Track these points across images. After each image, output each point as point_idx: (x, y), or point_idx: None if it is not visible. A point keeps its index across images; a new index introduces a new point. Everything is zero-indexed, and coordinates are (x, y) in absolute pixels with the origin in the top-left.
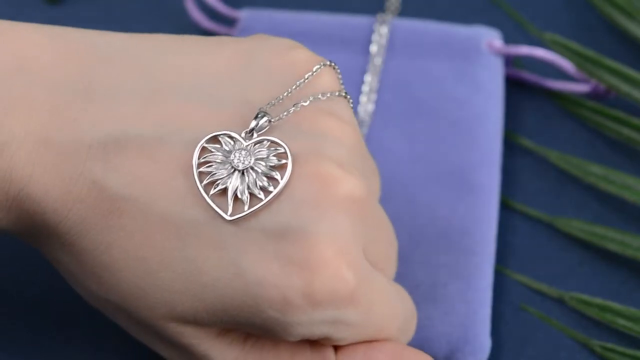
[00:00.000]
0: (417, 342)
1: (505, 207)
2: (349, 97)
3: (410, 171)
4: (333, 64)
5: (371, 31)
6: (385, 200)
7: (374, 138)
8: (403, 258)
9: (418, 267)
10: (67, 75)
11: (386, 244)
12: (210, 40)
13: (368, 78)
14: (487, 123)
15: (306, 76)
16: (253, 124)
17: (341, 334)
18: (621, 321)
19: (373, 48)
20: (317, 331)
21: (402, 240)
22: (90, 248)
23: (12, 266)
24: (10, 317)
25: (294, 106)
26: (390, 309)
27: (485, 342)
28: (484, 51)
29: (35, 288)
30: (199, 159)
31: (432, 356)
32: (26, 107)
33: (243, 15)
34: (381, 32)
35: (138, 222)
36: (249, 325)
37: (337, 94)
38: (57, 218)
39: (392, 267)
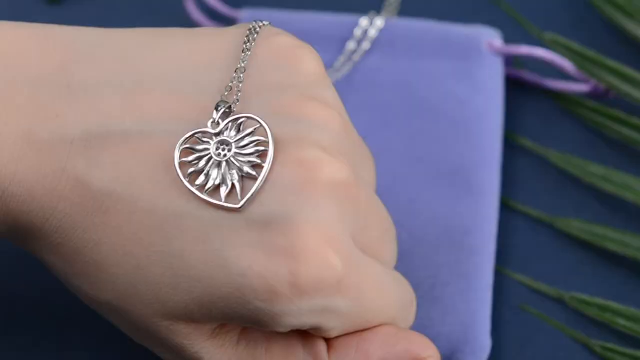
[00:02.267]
0: None
1: (505, 207)
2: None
3: (410, 171)
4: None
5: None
6: (385, 200)
7: (374, 138)
8: (403, 258)
9: (418, 267)
10: (48, 72)
11: (380, 230)
12: (194, 31)
13: (338, 64)
14: (487, 123)
15: (289, 60)
16: (215, 115)
17: (332, 324)
18: (621, 321)
19: (351, 44)
20: (307, 321)
21: (402, 240)
22: (78, 247)
23: (12, 266)
24: (10, 317)
25: (275, 92)
26: (383, 297)
27: (485, 342)
28: (484, 51)
29: (35, 288)
30: (180, 151)
31: None
32: (8, 104)
33: (243, 15)
34: (369, 33)
35: (123, 218)
36: (238, 318)
37: (321, 78)
38: (43, 217)
39: (389, 253)
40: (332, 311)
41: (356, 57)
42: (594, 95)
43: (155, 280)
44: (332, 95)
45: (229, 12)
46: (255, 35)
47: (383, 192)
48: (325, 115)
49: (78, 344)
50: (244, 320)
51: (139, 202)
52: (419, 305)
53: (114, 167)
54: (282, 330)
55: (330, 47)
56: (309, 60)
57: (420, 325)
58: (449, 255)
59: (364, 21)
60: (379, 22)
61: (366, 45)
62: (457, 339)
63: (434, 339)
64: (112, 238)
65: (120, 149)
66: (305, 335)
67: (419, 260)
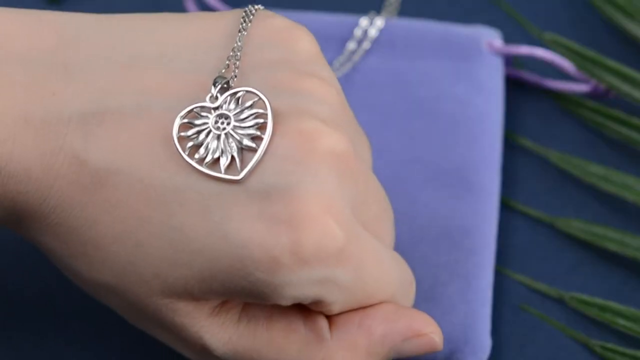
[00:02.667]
0: None
1: (505, 207)
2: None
3: (410, 171)
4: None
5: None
6: None
7: (374, 138)
8: (403, 258)
9: (418, 267)
10: (43, 51)
11: (379, 208)
12: (188, 15)
13: (337, 63)
14: (487, 123)
15: (285, 40)
16: (213, 90)
17: (333, 296)
18: (621, 321)
19: (351, 44)
20: (308, 292)
21: (402, 240)
22: (75, 226)
23: (11, 266)
24: (10, 318)
25: (273, 68)
26: (383, 272)
27: (485, 342)
28: (483, 51)
29: (35, 288)
30: (179, 126)
31: (432, 356)
32: (2, 83)
33: None
34: (369, 33)
35: (122, 195)
36: (238, 292)
37: (317, 57)
38: (40, 197)
39: (387, 233)
40: (333, 282)
41: (356, 57)
42: (594, 95)
43: (155, 256)
44: (328, 73)
45: None
46: (251, 17)
47: None
48: (323, 91)
49: (78, 344)
50: (245, 293)
51: (138, 176)
52: (419, 305)
53: (112, 142)
54: (283, 302)
55: (330, 47)
56: (304, 40)
57: None
58: (449, 255)
59: (364, 21)
60: (379, 22)
61: (366, 45)
62: (457, 339)
63: None
64: (111, 215)
65: (117, 125)
66: (306, 312)
67: (419, 260)
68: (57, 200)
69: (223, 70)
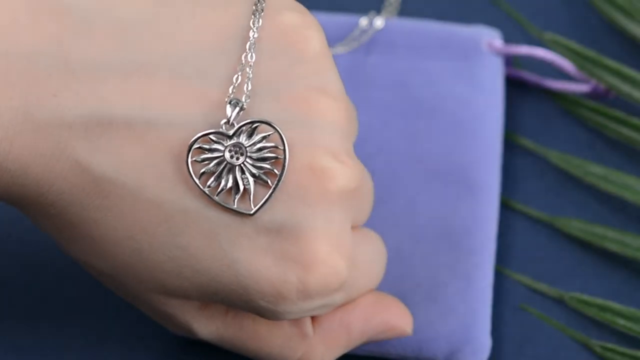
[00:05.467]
0: (417, 342)
1: (505, 207)
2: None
3: (410, 171)
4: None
5: (364, 30)
6: (386, 200)
7: (374, 138)
8: (403, 258)
9: (418, 267)
10: (43, 45)
11: (366, 197)
12: (200, 2)
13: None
14: (487, 123)
15: (296, 44)
16: (229, 112)
17: (324, 312)
18: (621, 321)
19: (347, 39)
20: (304, 315)
21: (402, 240)
22: (74, 222)
23: (11, 266)
24: (11, 318)
25: (284, 83)
26: (370, 277)
27: (485, 342)
28: (484, 51)
29: (36, 289)
30: (192, 150)
31: (432, 356)
32: (2, 81)
33: None
34: (369, 33)
35: (126, 206)
36: (237, 307)
37: (326, 60)
38: (39, 191)
39: (368, 212)
40: (329, 305)
41: (354, 45)
42: (594, 95)
43: (156, 265)
44: (335, 79)
45: None
46: (262, 12)
47: (383, 192)
48: (332, 112)
49: (78, 345)
50: (244, 309)
51: (144, 193)
52: (419, 305)
53: (118, 154)
54: (279, 321)
55: (330, 47)
56: (314, 41)
57: (420, 325)
58: (449, 256)
59: (364, 21)
60: (379, 22)
61: (366, 40)
62: (457, 339)
63: (434, 339)
64: (113, 221)
65: (123, 137)
66: None
67: (419, 260)
68: (56, 197)
69: (235, 84)
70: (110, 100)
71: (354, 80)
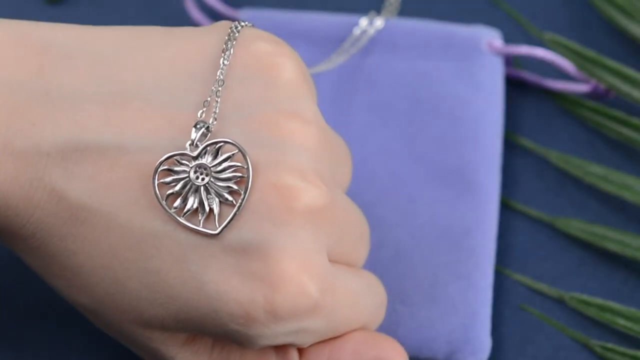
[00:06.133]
0: (417, 342)
1: (505, 207)
2: (312, 85)
3: (410, 171)
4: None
5: (364, 30)
6: (386, 200)
7: (374, 138)
8: (403, 258)
9: (418, 267)
10: (25, 76)
11: (354, 237)
12: (172, 31)
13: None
14: (487, 123)
15: (268, 70)
16: (193, 135)
17: (305, 340)
18: (621, 321)
19: (346, 44)
20: (280, 341)
21: (402, 240)
22: (54, 253)
23: (12, 267)
24: (11, 317)
25: (253, 107)
26: (356, 309)
27: (485, 342)
28: (484, 51)
29: (36, 289)
30: (158, 172)
31: (432, 356)
32: None
33: (243, 15)
34: (369, 33)
35: (100, 232)
36: (213, 334)
37: (300, 88)
38: (20, 223)
39: (362, 255)
40: (306, 331)
41: (352, 51)
42: (594, 95)
43: (133, 293)
44: (309, 106)
45: (228, 12)
46: (234, 42)
47: (383, 192)
48: (302, 134)
49: (78, 345)
50: (220, 337)
51: (116, 218)
52: (419, 305)
53: (91, 181)
54: (256, 348)
55: (330, 47)
56: (289, 69)
57: (420, 325)
58: (449, 255)
59: (363, 21)
60: (379, 22)
61: (364, 41)
62: (457, 339)
63: (434, 339)
64: (89, 250)
65: (97, 163)
66: (279, 346)
67: (419, 260)
68: (36, 228)
69: (204, 110)
70: (86, 127)
71: (354, 80)
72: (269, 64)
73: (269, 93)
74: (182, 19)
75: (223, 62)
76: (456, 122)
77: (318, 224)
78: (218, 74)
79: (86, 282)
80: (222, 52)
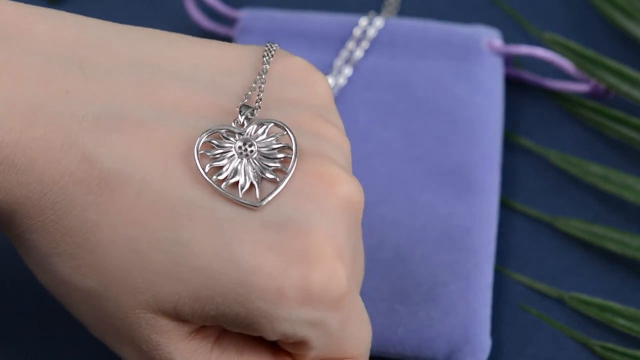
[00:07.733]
0: (417, 342)
1: (505, 207)
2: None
3: (410, 171)
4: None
5: (364, 30)
6: (386, 200)
7: (374, 138)
8: (403, 258)
9: (418, 267)
10: (61, 50)
11: (362, 265)
12: (208, 40)
13: (338, 63)
14: (487, 123)
15: (305, 80)
16: (240, 117)
17: (317, 341)
18: (621, 321)
19: (350, 44)
20: (299, 330)
21: (402, 240)
22: (72, 226)
23: (12, 266)
24: (10, 318)
25: (294, 107)
26: (362, 331)
27: (485, 342)
28: (484, 51)
29: (36, 288)
30: (200, 144)
31: (432, 356)
32: (17, 74)
33: (243, 15)
34: (369, 33)
35: (130, 201)
36: (231, 317)
37: (331, 102)
38: (42, 191)
39: (361, 280)
40: (324, 326)
41: (357, 57)
42: (594, 95)
43: (152, 267)
44: (340, 122)
45: (228, 12)
46: (273, 53)
47: (383, 192)
48: (340, 139)
49: (78, 345)
50: (237, 320)
51: (150, 186)
52: (419, 305)
53: (127, 149)
54: (271, 336)
55: (330, 47)
56: (322, 84)
57: (420, 325)
58: (449, 255)
59: (363, 21)
60: (379, 22)
61: (365, 45)
62: (457, 339)
63: (434, 339)
64: (114, 219)
65: (134, 133)
66: (276, 352)
67: (419, 260)
68: (59, 197)
69: (246, 100)
70: (123, 99)
71: (354, 80)
72: (305, 76)
73: (307, 98)
74: (182, 19)
75: (264, 65)
76: (456, 122)
77: (352, 219)
78: (260, 72)
79: (101, 258)
80: (262, 57)
